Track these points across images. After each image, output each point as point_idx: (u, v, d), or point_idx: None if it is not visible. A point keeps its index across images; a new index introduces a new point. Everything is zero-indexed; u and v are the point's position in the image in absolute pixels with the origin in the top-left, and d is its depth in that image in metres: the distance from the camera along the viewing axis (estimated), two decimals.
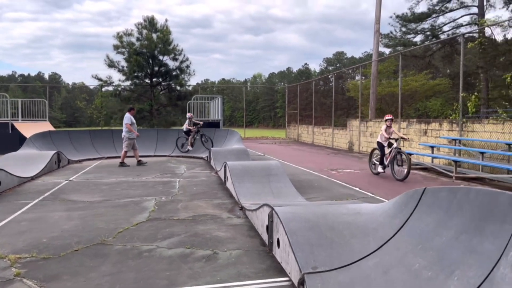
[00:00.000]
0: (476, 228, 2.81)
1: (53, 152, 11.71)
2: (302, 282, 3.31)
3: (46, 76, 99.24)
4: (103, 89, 27.60)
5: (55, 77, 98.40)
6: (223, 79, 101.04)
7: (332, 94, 22.12)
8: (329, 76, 36.33)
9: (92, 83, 59.32)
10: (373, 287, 3.09)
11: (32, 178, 9.62)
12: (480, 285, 2.44)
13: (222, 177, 9.09)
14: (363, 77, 26.47)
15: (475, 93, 12.33)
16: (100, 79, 26.17)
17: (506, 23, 17.92)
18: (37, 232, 5.29)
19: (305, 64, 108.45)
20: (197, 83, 56.86)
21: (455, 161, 10.19)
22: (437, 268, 2.85)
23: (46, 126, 19.31)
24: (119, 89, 27.08)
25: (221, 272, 3.95)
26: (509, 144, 9.82)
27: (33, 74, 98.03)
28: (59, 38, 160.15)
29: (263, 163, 8.65)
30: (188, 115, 15.79)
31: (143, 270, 3.99)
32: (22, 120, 20.33)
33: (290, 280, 3.72)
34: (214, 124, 20.19)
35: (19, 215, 6.19)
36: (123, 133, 12.39)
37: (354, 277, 3.29)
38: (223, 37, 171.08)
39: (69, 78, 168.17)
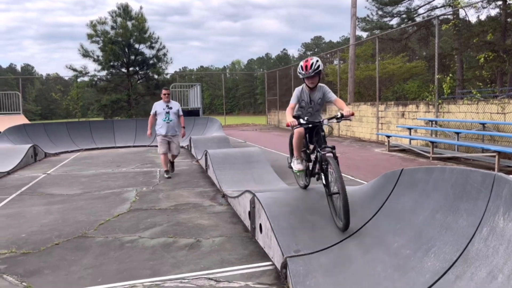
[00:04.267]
0: (451, 206, 2.89)
1: (29, 145, 11.44)
2: (285, 265, 3.36)
3: (18, 67, 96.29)
4: (79, 80, 27.04)
5: (27, 69, 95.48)
6: (201, 66, 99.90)
7: None
8: None
9: (67, 74, 57.80)
10: (355, 268, 3.16)
11: (8, 173, 9.39)
12: (455, 261, 2.52)
13: (203, 166, 9.07)
14: (341, 61, 26.60)
15: (450, 75, 12.56)
16: (75, 70, 25.67)
17: (479, 4, 18.19)
18: (16, 227, 5.19)
19: (284, 49, 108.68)
20: (175, 71, 56.19)
21: (432, 142, 10.40)
22: (414, 246, 2.93)
23: (20, 119, 18.79)
24: (95, 79, 26.59)
25: (205, 260, 3.97)
26: (483, 124, 10.07)
27: (4, 66, 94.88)
28: (32, 29, 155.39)
29: (244, 150, 8.66)
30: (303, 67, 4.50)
31: (125, 261, 3.97)
32: None
33: (273, 264, 3.77)
34: (194, 113, 20.01)
35: None
36: None
37: (336, 259, 3.35)
38: (201, 24, 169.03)
39: (43, 69, 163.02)
